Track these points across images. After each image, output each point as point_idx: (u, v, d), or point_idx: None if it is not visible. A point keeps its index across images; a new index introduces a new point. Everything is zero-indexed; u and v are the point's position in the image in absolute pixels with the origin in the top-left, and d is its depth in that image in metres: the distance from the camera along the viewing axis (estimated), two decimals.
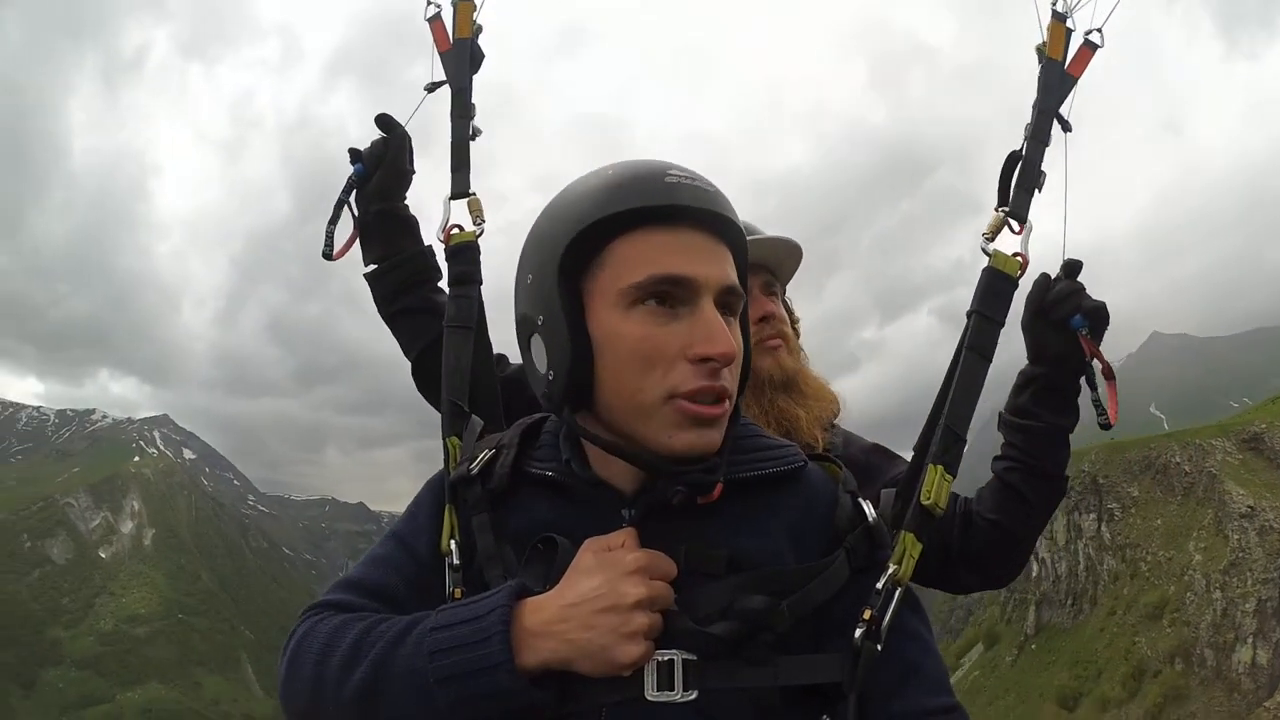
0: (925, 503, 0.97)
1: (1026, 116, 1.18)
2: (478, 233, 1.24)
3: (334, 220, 1.32)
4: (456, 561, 0.92)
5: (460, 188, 1.25)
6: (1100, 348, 1.15)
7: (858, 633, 0.84)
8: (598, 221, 0.81)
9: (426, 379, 1.38)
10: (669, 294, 0.81)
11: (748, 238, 1.51)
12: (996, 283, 1.09)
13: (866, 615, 0.85)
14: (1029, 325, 1.22)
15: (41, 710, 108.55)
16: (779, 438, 1.00)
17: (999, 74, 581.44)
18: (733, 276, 0.85)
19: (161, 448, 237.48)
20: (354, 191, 1.35)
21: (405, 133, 1.38)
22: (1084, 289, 1.16)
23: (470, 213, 1.24)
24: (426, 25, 1.34)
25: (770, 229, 1.60)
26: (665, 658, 0.79)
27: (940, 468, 0.99)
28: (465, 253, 1.22)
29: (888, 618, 0.86)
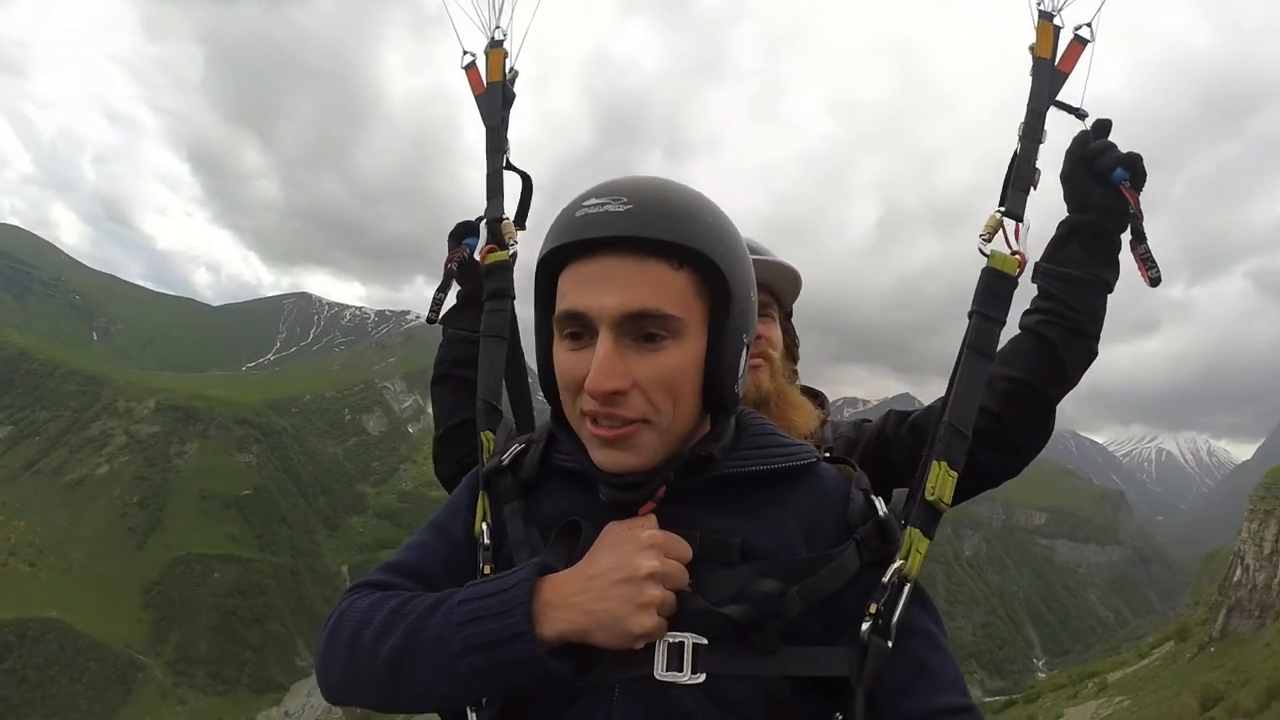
0: (929, 498, 0.97)
1: None
2: (510, 254, 1.32)
3: (443, 289, 1.39)
4: (487, 542, 0.98)
5: (494, 213, 1.35)
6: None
7: (865, 626, 0.84)
8: (542, 259, 0.89)
9: (446, 453, 1.44)
10: (578, 329, 0.85)
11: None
12: (996, 282, 1.07)
13: (873, 609, 0.85)
14: (1070, 175, 1.22)
15: (343, 548, 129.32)
16: (791, 437, 1.01)
17: None
18: (638, 301, 0.82)
19: None
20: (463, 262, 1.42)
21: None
22: (1117, 146, 1.18)
23: (504, 234, 1.33)
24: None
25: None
26: (676, 639, 0.82)
27: (944, 464, 0.99)
28: (499, 271, 1.30)
29: (896, 614, 0.86)
